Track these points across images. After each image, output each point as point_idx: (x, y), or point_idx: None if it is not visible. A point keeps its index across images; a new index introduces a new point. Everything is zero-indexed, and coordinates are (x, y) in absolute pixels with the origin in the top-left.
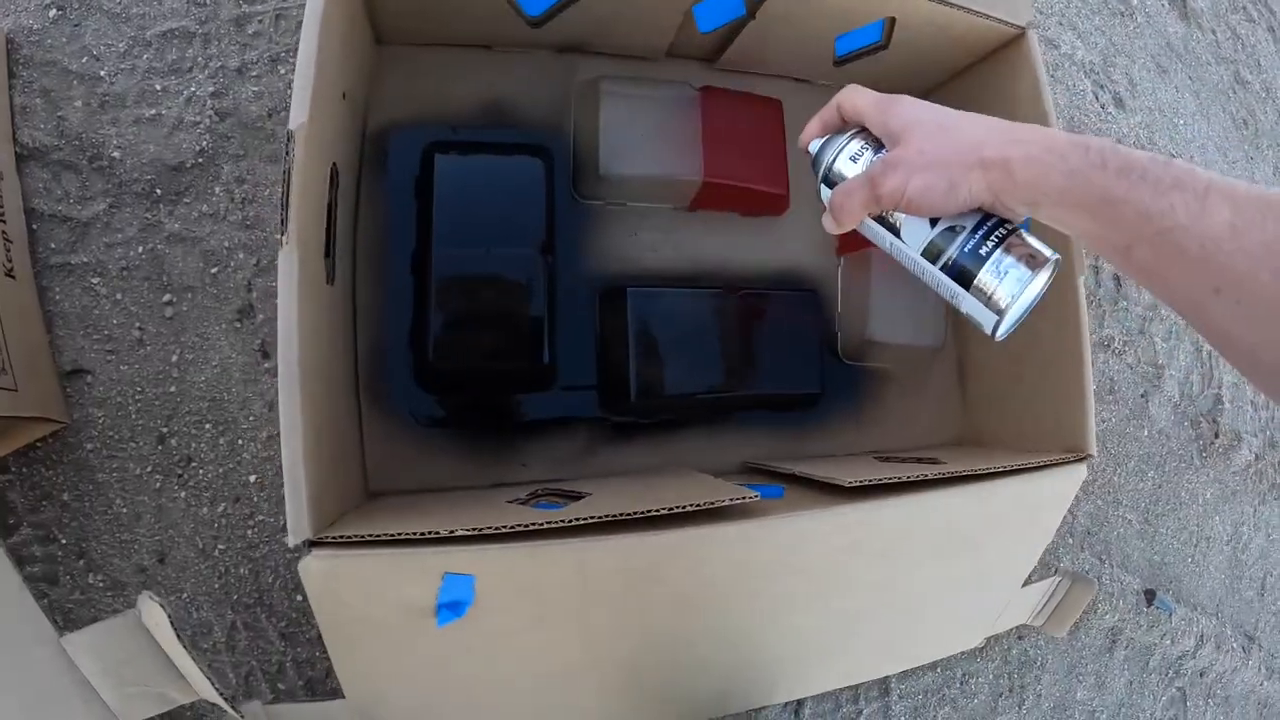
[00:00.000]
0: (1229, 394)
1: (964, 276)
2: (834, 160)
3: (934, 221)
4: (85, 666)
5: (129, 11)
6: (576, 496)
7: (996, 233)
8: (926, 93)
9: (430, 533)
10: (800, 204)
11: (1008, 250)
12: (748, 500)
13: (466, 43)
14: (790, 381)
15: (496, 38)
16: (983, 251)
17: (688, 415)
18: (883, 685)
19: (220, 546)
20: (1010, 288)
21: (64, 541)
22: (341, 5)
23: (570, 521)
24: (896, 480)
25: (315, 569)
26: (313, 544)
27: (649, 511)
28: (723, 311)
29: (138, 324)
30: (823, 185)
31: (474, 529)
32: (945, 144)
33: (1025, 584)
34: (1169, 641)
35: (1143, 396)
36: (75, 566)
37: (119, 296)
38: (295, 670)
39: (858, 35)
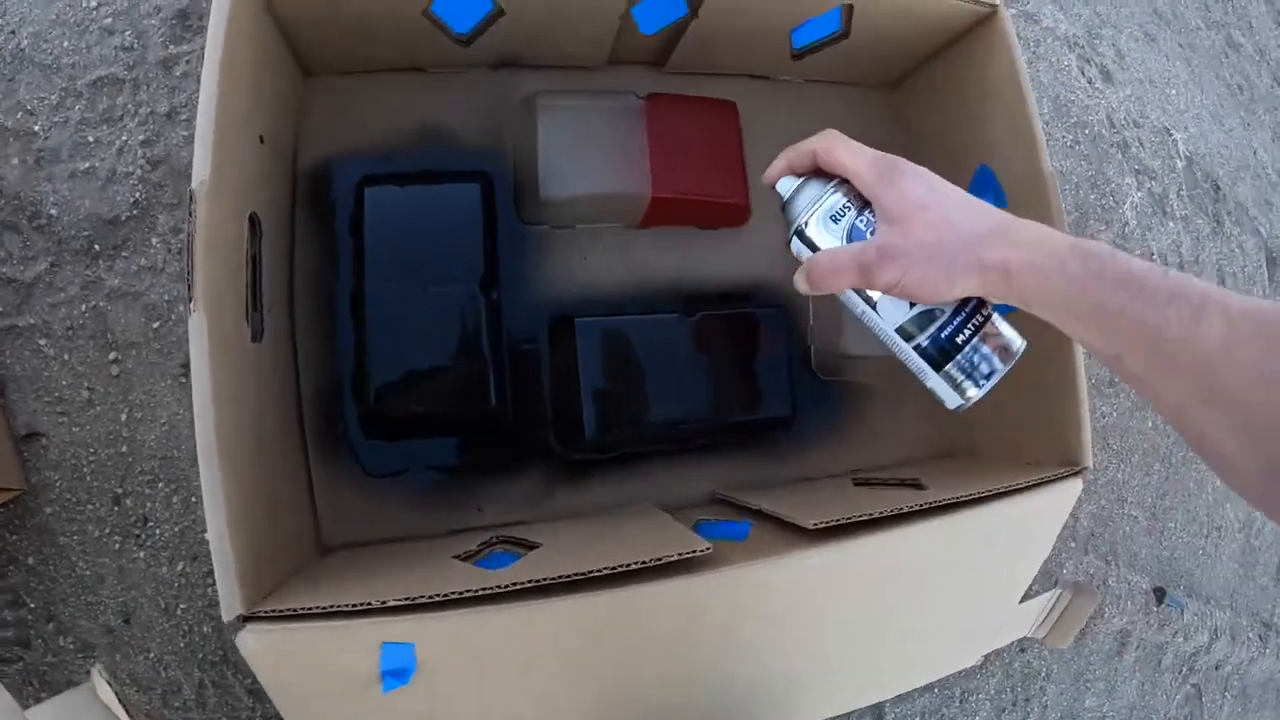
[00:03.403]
0: None
1: (936, 362)
2: (811, 215)
3: (913, 303)
4: None
5: (59, 62)
6: (530, 546)
7: (973, 321)
8: (901, 79)
9: (363, 604)
10: (762, 213)
11: (983, 340)
12: (701, 552)
13: (398, 67)
14: (758, 407)
15: (428, 60)
16: (959, 340)
17: (649, 448)
18: (876, 710)
19: (182, 605)
20: (980, 376)
21: (33, 605)
22: (247, 48)
23: (508, 587)
24: (866, 518)
25: (251, 643)
26: (247, 619)
27: (591, 572)
28: (680, 336)
29: (86, 384)
30: (794, 238)
31: (407, 598)
32: (946, 238)
33: (1024, 599)
34: (1181, 639)
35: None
36: (45, 630)
37: (66, 357)
38: None
39: (815, 26)
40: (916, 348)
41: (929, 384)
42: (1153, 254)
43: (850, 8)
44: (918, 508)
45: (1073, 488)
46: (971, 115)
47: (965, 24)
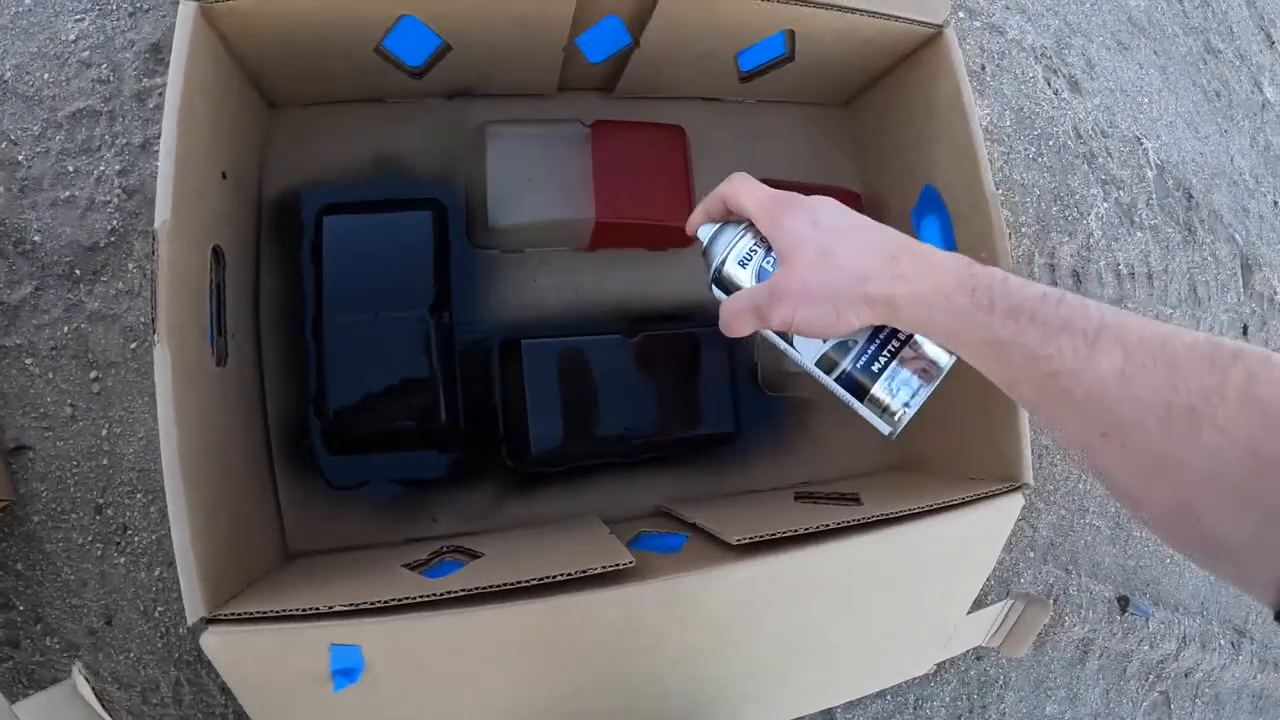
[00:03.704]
0: None
1: (858, 389)
2: (724, 261)
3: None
4: None
5: (41, 94)
6: (475, 555)
7: (889, 345)
8: (852, 97)
9: (312, 609)
10: None
11: (901, 364)
12: (624, 565)
13: (359, 98)
14: (701, 422)
15: (386, 91)
16: (875, 367)
17: (597, 462)
18: (827, 716)
19: (160, 608)
20: (904, 399)
21: (21, 608)
22: (207, 88)
23: (444, 594)
24: (791, 533)
25: (213, 644)
26: (209, 621)
27: (520, 583)
28: (623, 356)
29: (69, 401)
30: (713, 284)
31: (351, 604)
32: (829, 275)
33: (974, 609)
34: (1147, 646)
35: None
36: (34, 631)
37: (51, 375)
38: None
39: (760, 50)
40: (838, 379)
41: (860, 412)
42: (1119, 265)
43: (792, 32)
44: (847, 524)
45: (1013, 503)
46: (918, 135)
47: (911, 45)
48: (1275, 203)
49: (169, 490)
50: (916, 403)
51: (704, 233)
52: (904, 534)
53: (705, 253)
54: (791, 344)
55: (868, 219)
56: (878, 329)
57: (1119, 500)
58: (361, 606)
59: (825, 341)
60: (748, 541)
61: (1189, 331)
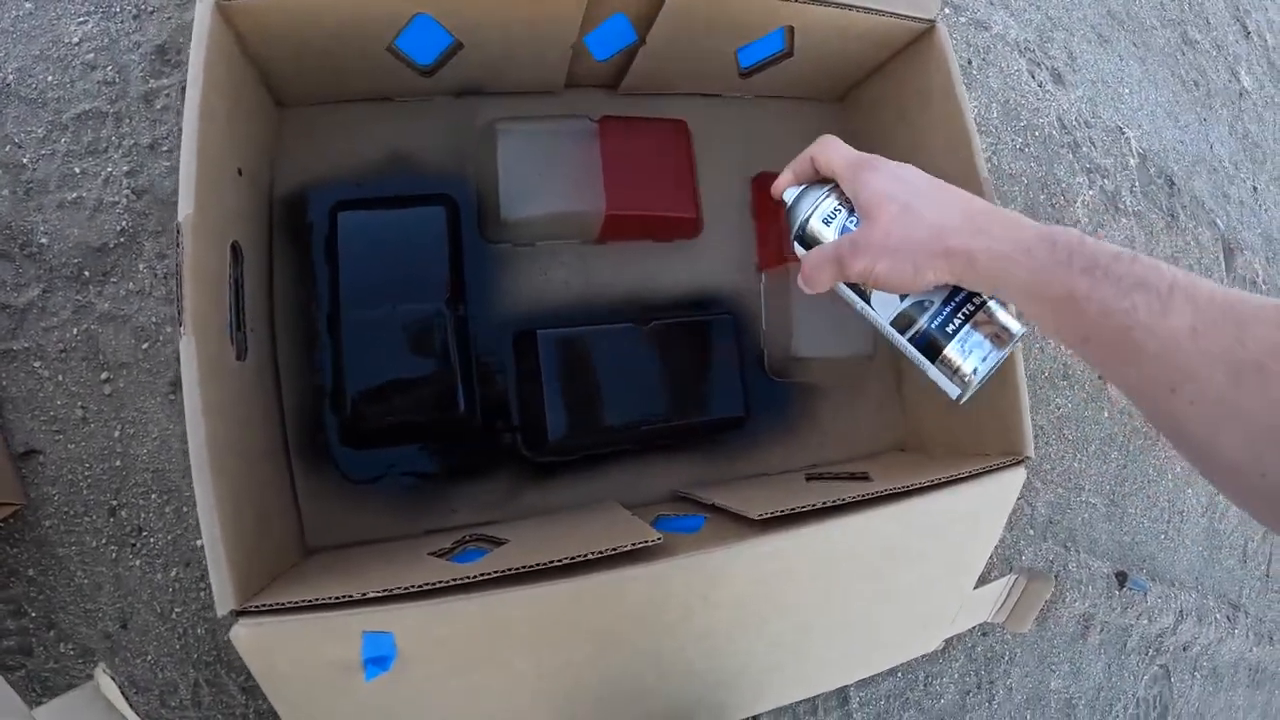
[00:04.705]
0: None
1: (931, 349)
2: (808, 219)
3: (904, 294)
4: None
5: (45, 96)
6: (499, 542)
7: (965, 309)
8: (847, 92)
9: (344, 596)
10: (714, 224)
11: (975, 327)
12: (652, 543)
13: (367, 97)
14: (712, 408)
15: (394, 90)
16: (950, 328)
17: (610, 449)
18: (841, 695)
19: (177, 609)
20: (975, 363)
21: (33, 614)
22: (224, 86)
23: (476, 577)
24: (809, 508)
25: (244, 636)
26: (239, 613)
27: (550, 563)
28: (635, 345)
29: (80, 404)
30: (796, 242)
31: (384, 590)
32: (911, 229)
33: (979, 585)
34: (1146, 620)
35: (1100, 378)
36: (47, 637)
37: (60, 378)
38: None
39: (760, 46)
40: (911, 339)
41: (930, 375)
42: None
43: (791, 28)
44: (862, 498)
45: (1016, 477)
46: (912, 125)
47: (904, 40)
48: (1254, 188)
49: (197, 482)
50: (986, 367)
51: (788, 195)
52: (914, 507)
53: (789, 213)
54: (870, 303)
55: (948, 184)
56: (954, 291)
57: (1185, 453)
58: (395, 592)
59: (902, 300)
60: (769, 516)
61: (1256, 296)
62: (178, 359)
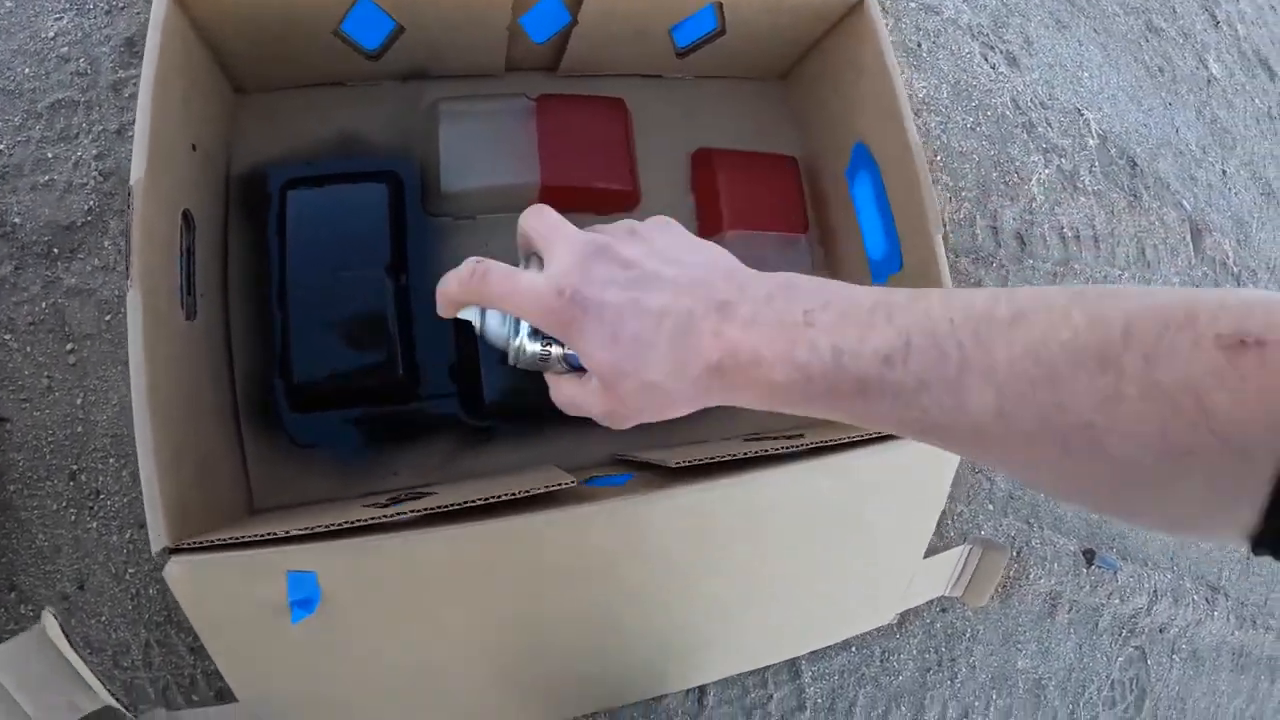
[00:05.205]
0: None
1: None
2: (515, 360)
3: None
4: (6, 682)
5: (22, 87)
6: (429, 496)
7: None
8: (786, 72)
9: (269, 534)
10: (654, 198)
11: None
12: (565, 486)
13: (320, 82)
14: None
15: (345, 74)
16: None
17: (549, 415)
18: (792, 668)
19: (130, 570)
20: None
21: None
22: (180, 67)
23: (395, 516)
24: (731, 458)
25: (176, 573)
26: (171, 551)
27: (466, 503)
28: None
29: (46, 373)
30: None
31: (308, 528)
32: (662, 401)
33: (930, 554)
34: (1118, 600)
35: None
36: (8, 599)
37: (29, 349)
38: (205, 682)
39: (692, 25)
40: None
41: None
42: (1063, 228)
43: (720, 4)
44: (789, 450)
45: None
46: (847, 98)
47: (837, 15)
48: (1224, 172)
49: (137, 425)
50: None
51: (469, 314)
52: (848, 461)
53: (481, 337)
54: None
55: (670, 298)
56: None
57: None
58: (317, 531)
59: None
60: (688, 464)
61: (1077, 309)
62: None
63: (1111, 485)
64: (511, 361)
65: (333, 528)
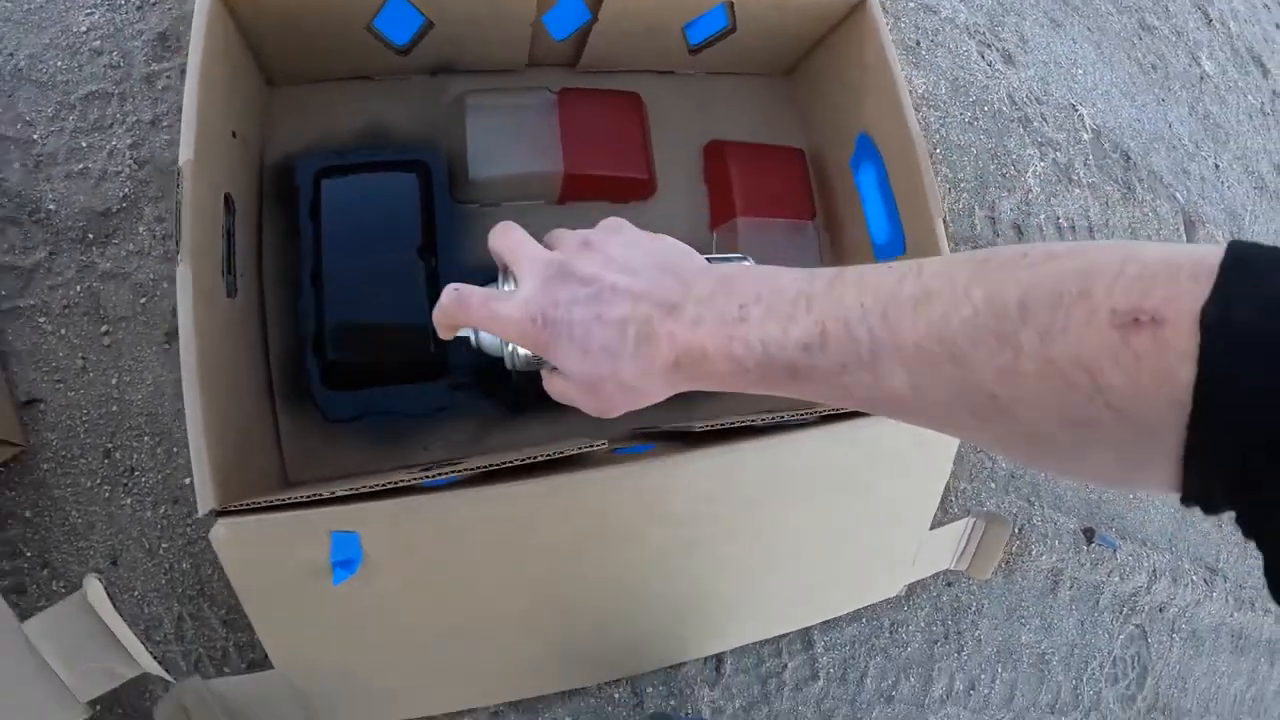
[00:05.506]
0: None
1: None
2: (513, 366)
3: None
4: (43, 649)
5: (55, 79)
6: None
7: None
8: (792, 68)
9: (314, 495)
10: (669, 188)
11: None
12: (597, 448)
13: (349, 76)
14: None
15: (374, 69)
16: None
17: None
18: (805, 638)
19: (164, 545)
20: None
21: (29, 554)
22: (222, 57)
23: (435, 474)
24: (750, 424)
25: (222, 536)
26: (219, 514)
27: (500, 463)
28: None
29: (81, 355)
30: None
31: (351, 489)
32: (639, 397)
33: (935, 527)
34: (1118, 578)
35: None
36: (40, 576)
37: (63, 332)
38: (238, 654)
39: (705, 22)
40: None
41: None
42: (1059, 219)
43: (731, 3)
44: (804, 416)
45: None
46: (851, 92)
47: (840, 13)
48: (1217, 166)
49: (186, 391)
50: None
51: (466, 332)
52: (856, 430)
53: (479, 350)
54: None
55: (629, 308)
56: None
57: None
58: (360, 491)
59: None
60: (709, 429)
61: (977, 286)
62: (173, 312)
63: (1028, 448)
64: (509, 367)
65: (375, 488)
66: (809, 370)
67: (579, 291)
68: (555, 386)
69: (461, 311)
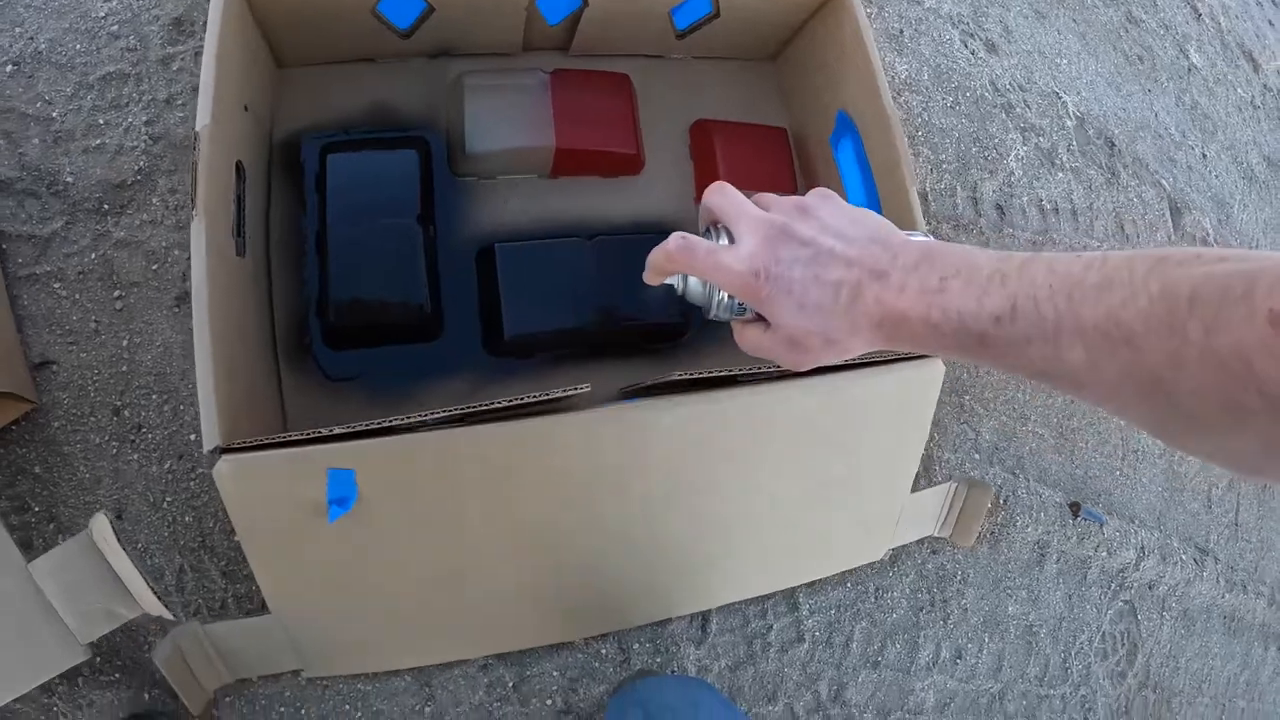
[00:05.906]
0: None
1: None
2: (715, 303)
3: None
4: (47, 589)
5: (74, 61)
6: None
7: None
8: (776, 53)
9: (313, 432)
10: (657, 165)
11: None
12: (581, 391)
13: (353, 58)
14: (652, 313)
15: (377, 51)
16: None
17: (563, 354)
18: (790, 600)
19: (168, 499)
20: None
21: (36, 509)
22: (237, 36)
23: (428, 415)
24: (725, 374)
25: (225, 471)
26: (223, 450)
27: (491, 403)
28: (584, 257)
29: (93, 318)
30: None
31: (349, 427)
32: (838, 350)
33: (916, 490)
34: (1105, 554)
35: None
36: (47, 530)
37: (77, 296)
38: (235, 605)
39: (690, 8)
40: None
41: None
42: (1041, 201)
43: None
44: (777, 371)
45: (934, 368)
46: (830, 73)
47: (818, 0)
48: (1204, 155)
49: (196, 336)
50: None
51: (676, 281)
52: (835, 384)
53: (683, 297)
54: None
55: (843, 271)
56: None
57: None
58: (357, 429)
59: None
60: (686, 378)
61: (1154, 278)
62: (183, 277)
63: (1183, 427)
64: (711, 315)
65: (371, 426)
66: (997, 339)
67: (799, 252)
68: (749, 337)
69: (686, 258)
